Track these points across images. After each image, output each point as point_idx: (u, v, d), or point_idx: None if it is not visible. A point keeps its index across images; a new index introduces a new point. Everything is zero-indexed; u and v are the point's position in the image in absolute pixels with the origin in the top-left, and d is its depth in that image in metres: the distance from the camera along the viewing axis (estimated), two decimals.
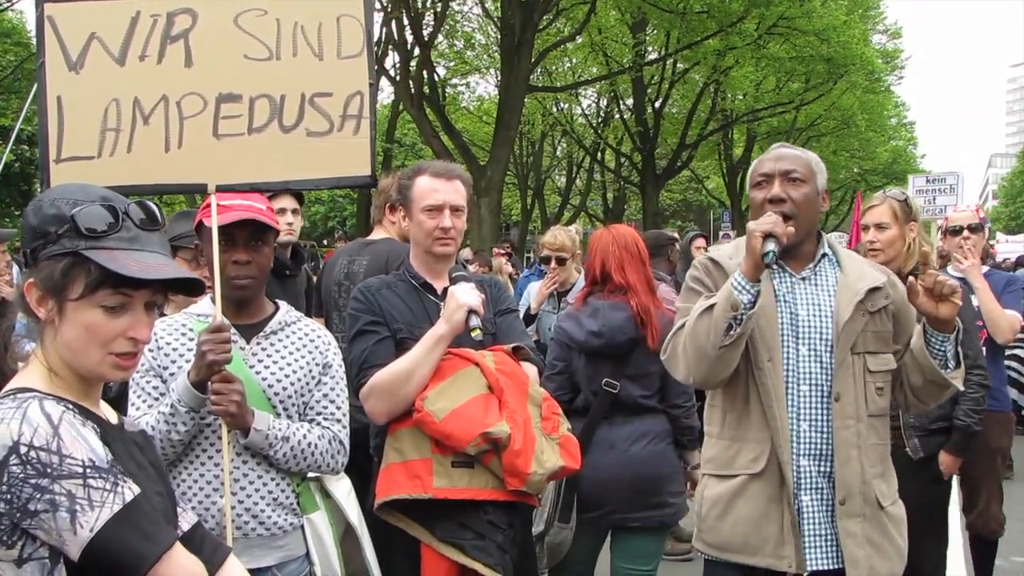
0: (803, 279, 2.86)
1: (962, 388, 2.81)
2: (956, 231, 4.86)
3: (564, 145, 34.26)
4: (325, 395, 2.79)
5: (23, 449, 1.47)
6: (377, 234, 4.37)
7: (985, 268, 4.92)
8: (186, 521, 1.81)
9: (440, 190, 3.12)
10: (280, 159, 2.92)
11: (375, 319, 3.07)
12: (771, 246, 2.59)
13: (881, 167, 44.14)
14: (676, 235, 7.30)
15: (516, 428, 2.82)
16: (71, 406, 1.59)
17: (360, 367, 3.00)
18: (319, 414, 2.76)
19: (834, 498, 2.74)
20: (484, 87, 40.24)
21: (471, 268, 7.61)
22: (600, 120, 31.33)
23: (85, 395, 1.68)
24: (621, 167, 32.52)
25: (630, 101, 28.69)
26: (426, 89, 19.36)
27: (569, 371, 3.95)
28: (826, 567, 2.75)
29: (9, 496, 1.46)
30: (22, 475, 1.46)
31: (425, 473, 2.83)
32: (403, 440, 2.89)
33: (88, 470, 1.51)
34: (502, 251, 11.18)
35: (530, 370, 3.13)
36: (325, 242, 36.12)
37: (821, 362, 2.77)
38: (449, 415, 2.81)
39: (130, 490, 1.56)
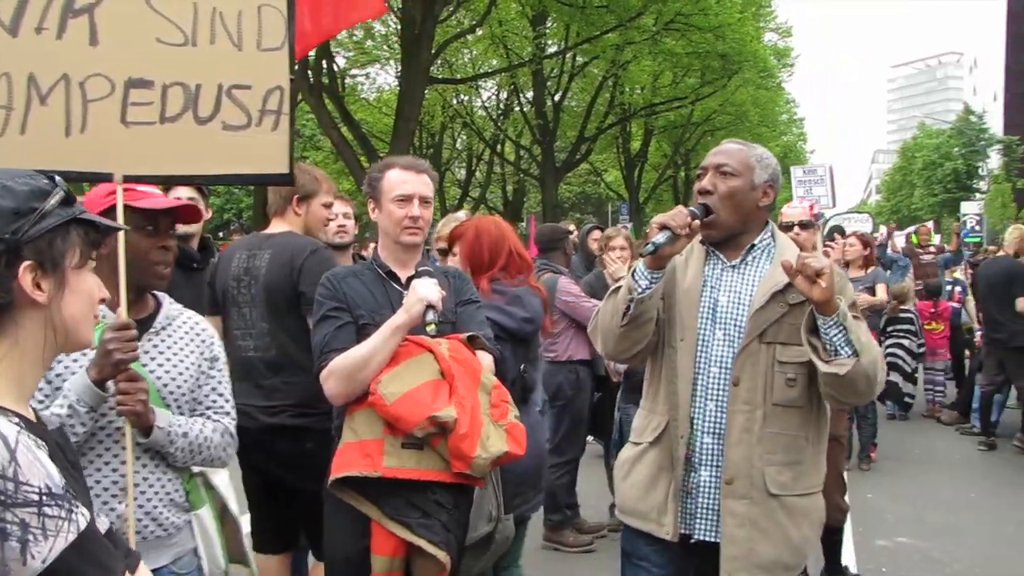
0: (732, 267, 2.97)
1: (842, 373, 2.66)
2: (787, 227, 4.93)
3: (464, 137, 34.27)
4: (214, 388, 2.83)
5: None
6: (277, 227, 4.18)
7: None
8: (101, 526, 1.71)
9: (410, 181, 3.25)
10: (194, 152, 2.84)
11: (338, 305, 3.18)
12: (660, 238, 2.73)
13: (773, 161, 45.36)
14: (571, 228, 7.38)
15: (463, 413, 2.92)
16: (19, 421, 1.48)
17: (321, 351, 3.10)
18: (208, 408, 2.80)
19: (719, 479, 2.87)
20: (384, 78, 39.93)
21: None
22: (500, 113, 31.43)
23: (22, 398, 1.58)
24: (521, 160, 32.71)
25: (530, 94, 28.91)
26: (325, 79, 19.11)
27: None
28: (710, 539, 2.88)
29: None
30: None
31: (376, 453, 2.95)
32: (358, 421, 3.00)
33: (44, 497, 1.41)
34: None
35: (484, 358, 3.24)
36: (221, 235, 35.38)
37: (732, 347, 2.88)
38: (399, 398, 2.91)
39: (83, 516, 1.47)
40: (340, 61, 24.59)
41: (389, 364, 3.01)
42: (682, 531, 2.90)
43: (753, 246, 2.98)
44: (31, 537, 1.38)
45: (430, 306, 3.00)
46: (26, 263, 1.51)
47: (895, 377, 10.18)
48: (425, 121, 27.98)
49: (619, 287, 2.89)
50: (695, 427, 2.90)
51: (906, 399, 10.87)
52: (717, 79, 28.88)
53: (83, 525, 1.46)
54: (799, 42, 52.57)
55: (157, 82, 2.81)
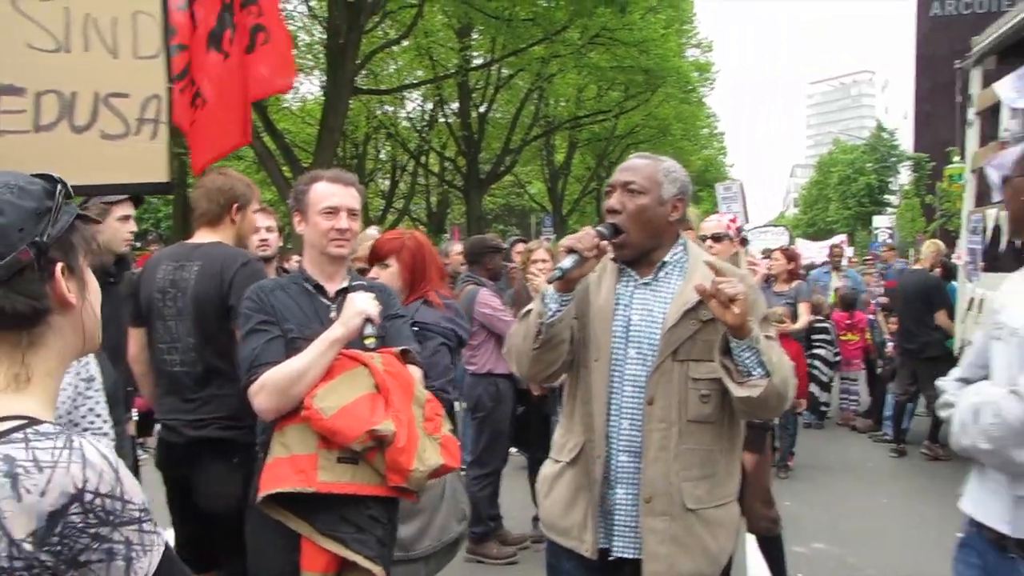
0: (645, 284, 2.95)
1: (755, 395, 2.68)
2: (702, 240, 5.01)
3: (388, 148, 34.08)
4: (91, 409, 2.79)
5: (88, 497, 1.31)
6: (205, 236, 4.01)
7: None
8: None
9: (337, 194, 3.24)
10: (71, 161, 2.76)
11: (267, 319, 3.14)
12: (567, 263, 2.72)
13: (695, 175, 46.05)
14: (500, 243, 7.41)
15: (401, 426, 2.94)
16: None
17: (251, 365, 3.05)
18: (86, 429, 2.75)
19: (638, 497, 2.86)
20: (308, 87, 39.52)
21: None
22: (425, 124, 31.39)
23: (53, 410, 1.49)
24: (445, 171, 32.70)
25: (455, 105, 28.93)
26: None
27: None
28: (631, 556, 2.88)
29: (60, 548, 1.29)
30: (81, 524, 1.30)
31: (310, 468, 2.93)
32: (290, 436, 2.97)
33: (142, 513, 1.39)
34: None
35: (415, 372, 3.26)
36: (138, 245, 34.60)
37: (646, 366, 2.86)
38: (337, 412, 2.91)
39: (160, 529, 1.45)
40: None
41: (323, 378, 3.00)
42: (603, 546, 2.91)
43: (665, 263, 2.96)
44: (134, 555, 1.36)
45: (368, 319, 3.03)
46: (59, 264, 1.44)
47: (812, 387, 10.44)
48: (349, 131, 27.78)
49: (531, 310, 2.88)
50: (611, 446, 2.89)
51: (822, 408, 11.17)
52: (640, 93, 29.29)
53: (165, 538, 1.45)
54: (720, 57, 53.53)
55: (29, 89, 2.74)
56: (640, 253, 2.93)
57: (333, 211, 3.21)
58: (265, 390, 2.99)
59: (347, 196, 3.24)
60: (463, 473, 4.72)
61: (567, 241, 2.77)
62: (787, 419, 8.70)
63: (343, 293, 3.26)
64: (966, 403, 2.52)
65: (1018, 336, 2.51)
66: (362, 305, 3.04)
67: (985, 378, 2.68)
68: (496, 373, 6.27)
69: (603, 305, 2.92)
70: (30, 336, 1.42)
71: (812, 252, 15.52)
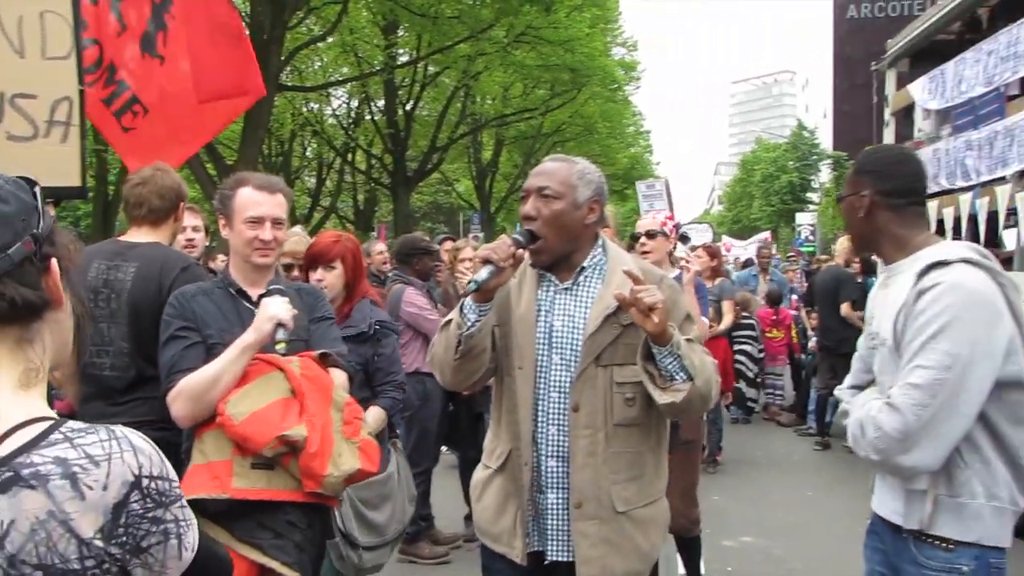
0: (565, 290, 2.93)
1: (678, 400, 2.69)
2: (636, 237, 5.11)
3: (314, 145, 33.71)
4: None
5: (145, 482, 1.32)
6: (141, 235, 3.77)
7: (674, 273, 4.98)
8: None
9: (262, 203, 3.16)
10: None
11: (186, 324, 3.09)
12: (483, 274, 2.70)
13: (621, 172, 46.55)
14: (430, 244, 7.35)
15: (314, 431, 2.88)
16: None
17: (169, 372, 3.02)
18: None
19: (567, 503, 2.87)
20: None
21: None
22: (351, 121, 31.11)
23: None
24: (372, 169, 32.44)
25: (381, 103, 28.69)
26: None
27: None
28: (564, 559, 2.89)
29: (125, 538, 1.29)
30: (141, 510, 1.31)
31: (225, 474, 2.88)
32: (206, 442, 2.93)
33: (180, 489, 1.41)
34: None
35: (338, 376, 3.21)
36: None
37: (569, 371, 2.85)
38: (248, 418, 2.86)
39: None
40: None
41: (239, 383, 2.95)
42: (537, 549, 2.92)
43: (584, 267, 2.94)
44: (183, 531, 1.39)
45: (280, 324, 2.97)
46: (54, 259, 1.41)
47: (739, 383, 10.61)
48: (274, 129, 27.39)
49: (447, 321, 2.89)
50: (540, 452, 2.89)
51: (748, 403, 11.34)
52: (567, 91, 29.40)
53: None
54: (645, 56, 54.31)
55: None
56: (558, 258, 2.91)
57: (258, 221, 3.14)
58: (181, 397, 2.96)
59: (273, 205, 3.16)
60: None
61: (483, 252, 2.78)
62: (715, 415, 8.81)
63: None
64: (854, 417, 2.66)
65: (887, 346, 2.63)
66: (273, 310, 2.97)
67: (873, 383, 2.82)
68: (423, 371, 6.22)
69: (525, 312, 2.90)
70: (29, 332, 1.40)
71: (739, 250, 15.74)
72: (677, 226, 6.58)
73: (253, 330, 2.97)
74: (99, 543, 1.27)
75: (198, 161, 17.58)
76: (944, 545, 2.55)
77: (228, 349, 2.96)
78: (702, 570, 5.81)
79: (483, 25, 21.25)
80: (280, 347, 2.97)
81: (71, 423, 1.33)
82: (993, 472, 2.54)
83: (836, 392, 2.97)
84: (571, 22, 23.77)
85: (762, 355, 11.28)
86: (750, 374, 10.97)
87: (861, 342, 2.95)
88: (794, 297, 13.17)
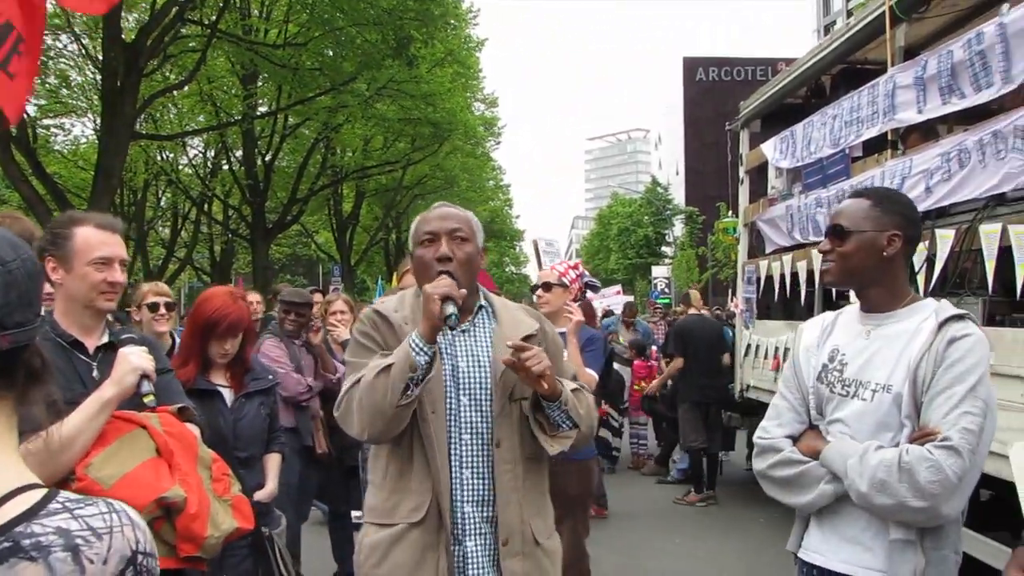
0: (463, 332, 2.95)
1: (566, 448, 2.85)
2: (534, 288, 5.19)
3: (169, 195, 32.76)
4: None
5: (140, 559, 1.25)
6: None
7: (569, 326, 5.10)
8: None
9: (109, 243, 2.96)
10: None
11: None
12: (451, 309, 2.67)
13: (482, 225, 47.03)
14: (309, 297, 7.21)
15: (190, 491, 2.73)
16: None
17: None
18: None
19: (497, 540, 2.84)
20: (80, 129, 37.54)
21: None
22: (208, 171, 30.40)
23: None
24: (229, 219, 31.74)
25: (240, 153, 28.16)
26: (13, 129, 17.68)
27: None
28: None
29: None
30: None
31: None
32: None
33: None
34: None
35: (195, 431, 3.05)
36: None
37: (481, 411, 2.86)
38: (119, 481, 2.62)
39: None
40: (31, 110, 22.86)
41: (96, 444, 2.69)
42: None
43: (479, 308, 3.01)
44: None
45: (145, 376, 2.79)
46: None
47: (604, 433, 10.74)
48: (127, 178, 26.50)
49: (385, 366, 2.70)
50: (456, 497, 2.83)
51: (613, 452, 11.50)
52: (428, 145, 29.55)
53: None
54: (504, 111, 55.48)
55: None
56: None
57: (106, 262, 2.94)
58: (29, 460, 2.71)
59: (117, 245, 3.00)
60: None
61: (442, 290, 2.69)
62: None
63: (105, 349, 3.00)
64: (878, 460, 2.50)
65: (891, 392, 2.58)
66: (137, 361, 2.79)
67: (810, 430, 2.78)
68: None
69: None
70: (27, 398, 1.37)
71: (607, 300, 16.12)
72: (582, 275, 6.67)
73: (113, 383, 2.76)
74: None
75: (44, 210, 16.83)
76: None
77: (82, 406, 2.70)
78: None
79: (344, 78, 21.20)
80: (148, 400, 2.79)
81: (66, 492, 1.29)
82: (958, 524, 2.59)
83: (763, 441, 2.84)
84: (433, 77, 23.99)
85: (626, 406, 11.50)
86: (615, 424, 11.14)
87: (785, 391, 2.89)
88: (654, 348, 13.48)
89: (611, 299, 17.59)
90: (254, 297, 10.17)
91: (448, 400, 2.86)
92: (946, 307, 2.64)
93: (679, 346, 10.32)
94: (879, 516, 2.54)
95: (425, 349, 2.69)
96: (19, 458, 1.34)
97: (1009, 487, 4.82)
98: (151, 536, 1.32)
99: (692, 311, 11.35)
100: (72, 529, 1.21)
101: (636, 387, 11.98)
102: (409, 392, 2.69)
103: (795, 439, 2.79)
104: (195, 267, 35.55)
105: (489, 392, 2.88)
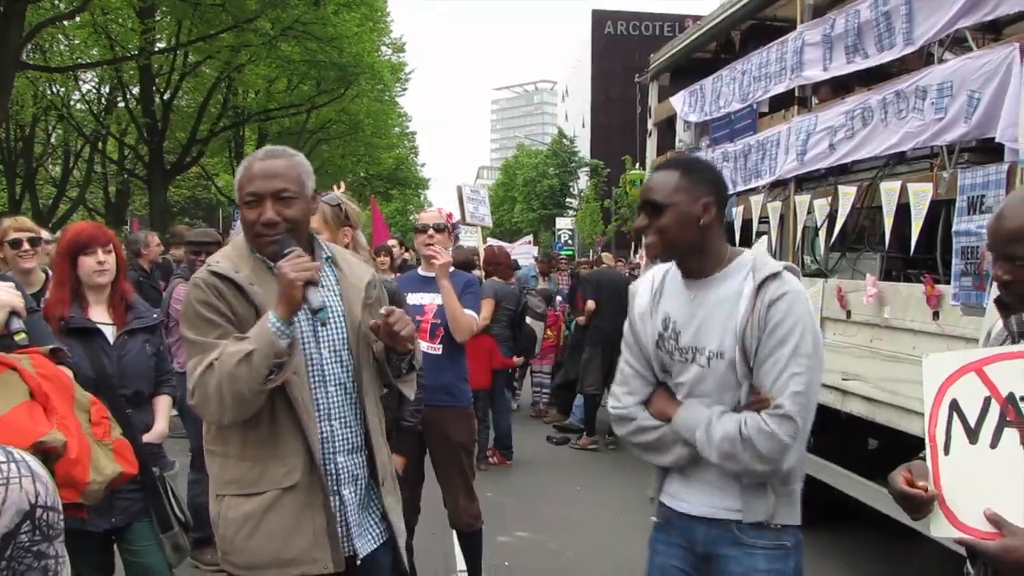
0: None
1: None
2: (423, 230, 5.10)
3: (60, 132, 31.43)
4: None
5: (39, 512, 1.17)
6: None
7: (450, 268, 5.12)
8: None
9: None
10: None
11: None
12: (319, 300, 2.63)
13: (386, 172, 46.58)
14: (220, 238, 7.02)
15: (69, 435, 2.60)
16: None
17: None
18: None
19: (370, 484, 2.94)
20: None
21: None
22: (102, 108, 29.24)
23: None
24: (125, 159, 30.66)
25: (136, 90, 27.11)
26: None
27: None
28: (375, 546, 2.94)
29: (6, 572, 1.13)
30: (28, 543, 1.16)
31: None
32: None
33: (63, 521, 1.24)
34: None
35: (69, 373, 2.92)
36: None
37: (341, 361, 2.87)
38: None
39: None
40: None
41: None
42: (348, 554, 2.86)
43: (326, 258, 2.95)
44: (60, 567, 1.23)
45: (14, 313, 2.65)
46: None
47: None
48: (14, 112, 25.32)
49: (246, 353, 2.57)
50: (326, 451, 2.82)
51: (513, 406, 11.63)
52: (333, 89, 29.01)
53: None
54: (412, 58, 54.79)
55: None
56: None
57: None
58: None
59: None
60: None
61: (305, 275, 2.59)
62: (483, 413, 8.92)
63: None
64: (721, 433, 2.61)
65: (724, 359, 2.66)
66: (5, 297, 2.65)
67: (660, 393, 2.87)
68: None
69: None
70: None
71: (517, 251, 16.12)
72: (455, 225, 6.66)
73: None
74: None
75: None
76: (772, 525, 2.68)
77: None
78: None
79: (248, 15, 20.60)
80: (19, 338, 2.64)
81: None
82: (803, 460, 2.73)
83: (615, 408, 2.92)
84: (340, 20, 23.47)
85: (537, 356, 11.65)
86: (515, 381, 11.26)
87: (630, 357, 2.92)
88: (559, 299, 13.58)
89: (521, 249, 17.63)
90: (153, 239, 9.93)
91: (309, 356, 2.82)
92: (762, 264, 2.70)
93: (591, 291, 10.50)
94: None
95: (286, 331, 2.62)
96: None
97: (898, 436, 5.03)
98: (54, 488, 1.24)
99: (605, 266, 11.51)
100: None
101: (545, 336, 12.08)
102: (272, 376, 2.61)
103: (647, 402, 2.87)
104: (88, 208, 34.32)
105: (346, 343, 2.89)
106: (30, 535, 1.18)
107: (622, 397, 2.90)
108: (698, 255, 2.75)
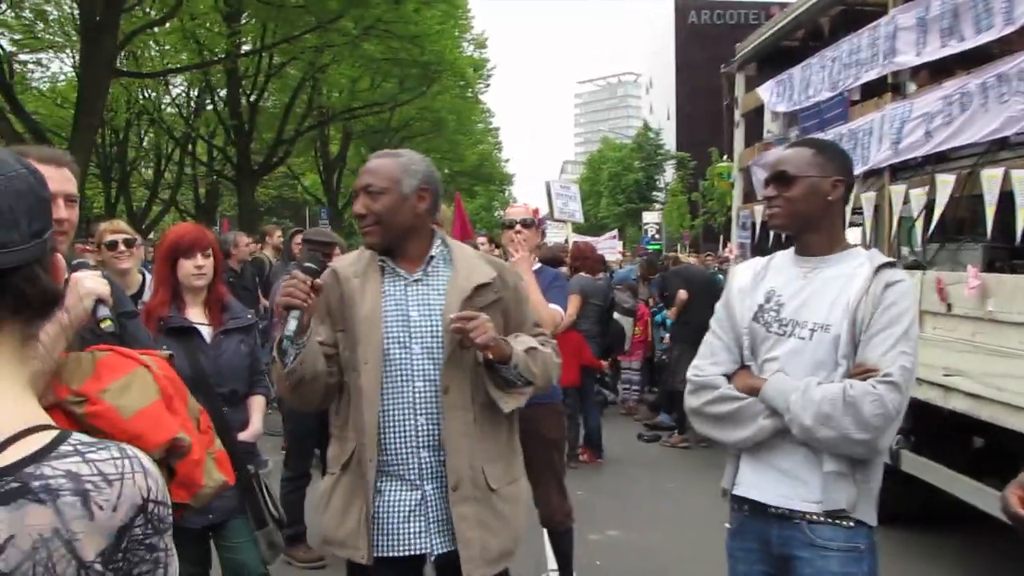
0: (415, 281, 3.03)
1: (521, 405, 3.05)
2: (509, 225, 5.10)
3: (151, 135, 32.39)
4: None
5: (151, 507, 1.23)
6: None
7: (537, 264, 5.16)
8: None
9: (53, 178, 2.67)
10: None
11: None
12: (292, 324, 2.78)
13: (470, 168, 46.93)
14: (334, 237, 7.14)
15: (193, 437, 2.64)
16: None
17: None
18: None
19: (448, 485, 2.96)
20: (59, 66, 37.03)
21: None
22: (191, 111, 30.05)
23: None
24: (214, 160, 31.45)
25: (224, 92, 27.79)
26: None
27: None
28: (446, 549, 2.96)
29: (122, 564, 1.19)
30: (141, 536, 1.21)
31: None
32: None
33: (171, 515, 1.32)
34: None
35: None
36: None
37: (433, 358, 2.95)
38: (137, 414, 2.51)
39: None
40: (5, 43, 22.47)
41: (109, 372, 2.55)
42: (423, 551, 2.96)
43: (432, 257, 3.06)
44: (169, 560, 1.28)
45: (100, 300, 2.59)
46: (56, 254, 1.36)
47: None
48: (108, 117, 26.16)
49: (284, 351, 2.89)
50: (407, 445, 2.95)
51: (610, 401, 11.57)
52: (416, 86, 29.27)
53: None
54: (494, 53, 54.97)
55: None
56: (393, 245, 3.03)
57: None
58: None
59: (63, 180, 2.79)
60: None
61: (282, 301, 2.77)
62: (572, 410, 8.89)
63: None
64: (821, 394, 2.59)
65: (830, 333, 2.68)
66: (91, 284, 2.58)
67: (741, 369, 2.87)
68: None
69: (370, 310, 2.95)
70: (36, 328, 1.32)
71: (602, 246, 16.03)
72: (542, 220, 6.66)
73: (66, 310, 2.54)
74: (99, 567, 1.18)
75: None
76: (845, 524, 2.66)
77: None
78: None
79: (330, 15, 20.86)
80: (106, 324, 2.60)
81: (78, 435, 1.24)
82: (883, 458, 2.74)
83: (697, 377, 2.92)
84: (421, 18, 23.65)
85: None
86: (607, 379, 11.20)
87: (719, 330, 2.95)
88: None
89: (606, 244, 17.52)
90: (242, 239, 10.17)
91: (399, 350, 2.96)
92: (878, 254, 2.79)
93: (680, 284, 10.40)
94: (822, 448, 2.64)
95: (290, 351, 2.85)
96: (31, 395, 1.28)
97: (1005, 434, 4.87)
98: (164, 484, 1.29)
99: (694, 260, 11.41)
100: (83, 473, 1.18)
101: (633, 331, 12.03)
102: (286, 361, 2.84)
103: (729, 377, 2.88)
104: (180, 209, 35.29)
105: (440, 340, 2.95)
106: (143, 528, 1.22)
107: (705, 367, 2.93)
108: (818, 232, 2.82)
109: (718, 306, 3.01)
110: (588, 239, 15.86)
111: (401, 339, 2.95)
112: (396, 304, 2.98)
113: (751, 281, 2.92)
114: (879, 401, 2.51)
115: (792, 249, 2.92)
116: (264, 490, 4.13)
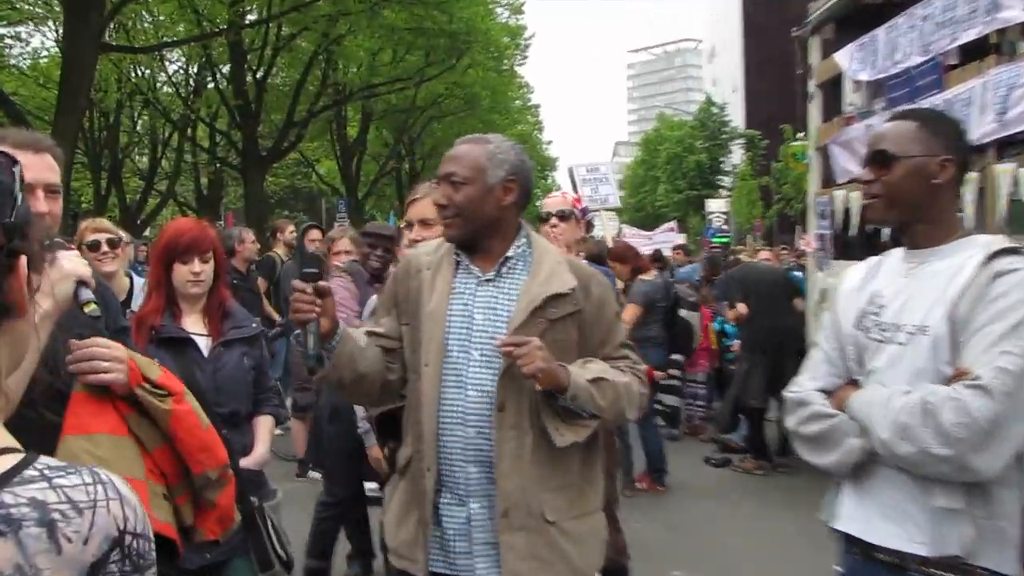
0: (487, 281, 3.04)
1: (580, 440, 2.97)
2: (545, 219, 5.09)
3: (146, 118, 32.72)
4: None
5: (128, 540, 1.21)
6: None
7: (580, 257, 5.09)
8: None
9: (31, 165, 2.67)
10: None
11: None
12: (312, 342, 2.87)
13: None
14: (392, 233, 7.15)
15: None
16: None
17: None
18: None
19: (497, 509, 2.93)
20: (40, 40, 37.48)
21: None
22: (191, 90, 30.31)
23: None
24: (217, 147, 31.74)
25: (227, 68, 28.02)
26: None
27: None
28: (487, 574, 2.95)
29: None
30: (118, 573, 1.20)
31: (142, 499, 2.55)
32: (102, 446, 2.45)
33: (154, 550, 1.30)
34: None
35: None
36: None
37: (491, 368, 2.93)
38: (209, 427, 2.65)
39: None
40: None
41: (173, 383, 2.63)
42: (442, 572, 2.99)
43: (508, 257, 3.06)
44: None
45: (82, 283, 2.56)
46: (23, 257, 1.33)
47: (673, 400, 10.78)
48: (97, 98, 26.48)
49: None
50: (456, 457, 2.96)
51: (673, 412, 11.42)
52: (444, 59, 29.34)
53: None
54: (532, 20, 54.81)
55: None
56: (474, 240, 3.06)
57: (26, 189, 2.79)
58: None
59: (43, 168, 2.77)
60: None
61: (294, 319, 2.86)
62: (621, 432, 8.80)
63: None
64: (902, 403, 2.48)
65: (928, 335, 2.54)
66: (70, 266, 2.56)
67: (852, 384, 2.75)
68: None
69: (435, 307, 3.01)
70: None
71: (640, 241, 15.85)
72: (584, 211, 6.58)
73: (46, 295, 2.50)
74: None
75: None
76: (969, 568, 2.46)
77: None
78: None
79: None
80: (90, 309, 2.66)
81: (45, 458, 1.23)
82: (1018, 490, 2.50)
83: (792, 395, 2.86)
84: None
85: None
86: (676, 383, 11.04)
87: (823, 341, 2.90)
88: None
89: (661, 236, 17.37)
90: (248, 236, 10.15)
91: (453, 353, 2.99)
92: (998, 240, 2.62)
93: (737, 292, 10.23)
94: (907, 469, 2.52)
95: (314, 356, 2.93)
96: None
97: None
98: (143, 514, 1.27)
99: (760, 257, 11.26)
100: (49, 501, 1.16)
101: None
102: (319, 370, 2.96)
103: (830, 393, 2.78)
104: (178, 201, 35.66)
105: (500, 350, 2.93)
106: (119, 564, 1.21)
107: (803, 382, 2.88)
108: (924, 221, 2.70)
109: (827, 314, 2.94)
110: (642, 232, 15.75)
111: (461, 342, 2.98)
112: (463, 304, 3.02)
113: (860, 282, 2.85)
114: (961, 408, 2.35)
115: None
116: (270, 526, 4.08)
